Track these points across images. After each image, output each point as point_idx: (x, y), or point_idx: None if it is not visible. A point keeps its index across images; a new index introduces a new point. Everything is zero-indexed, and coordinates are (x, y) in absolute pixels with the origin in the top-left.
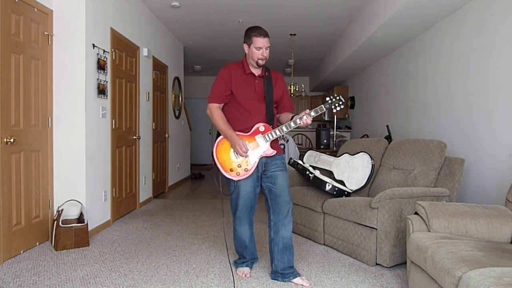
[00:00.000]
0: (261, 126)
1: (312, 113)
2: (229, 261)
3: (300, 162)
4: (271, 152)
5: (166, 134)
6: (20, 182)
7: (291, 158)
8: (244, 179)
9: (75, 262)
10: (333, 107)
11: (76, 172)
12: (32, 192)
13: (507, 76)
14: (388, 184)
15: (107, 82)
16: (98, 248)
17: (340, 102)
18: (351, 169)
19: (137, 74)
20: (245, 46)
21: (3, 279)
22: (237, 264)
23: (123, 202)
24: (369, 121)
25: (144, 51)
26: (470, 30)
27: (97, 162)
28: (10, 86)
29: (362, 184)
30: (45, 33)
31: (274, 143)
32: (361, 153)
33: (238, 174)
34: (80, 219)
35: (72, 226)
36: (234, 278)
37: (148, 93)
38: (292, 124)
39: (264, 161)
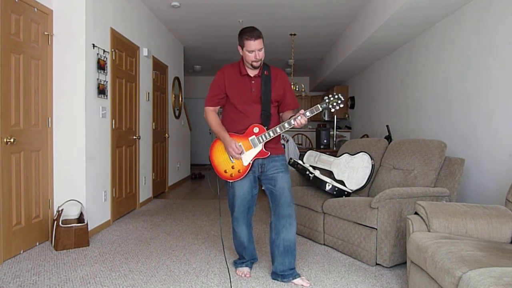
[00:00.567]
0: (255, 128)
1: (308, 113)
2: (226, 261)
3: (300, 162)
4: (265, 153)
5: (166, 134)
6: (20, 182)
7: (291, 158)
8: (240, 180)
9: (75, 262)
10: (330, 106)
11: (76, 172)
12: (32, 192)
13: (507, 76)
14: (388, 184)
15: (107, 82)
16: (98, 248)
17: (339, 101)
18: (351, 169)
19: (137, 74)
20: (239, 48)
21: (3, 279)
22: (236, 264)
23: (123, 202)
24: (369, 121)
25: (144, 51)
26: (470, 30)
27: (97, 162)
28: (10, 86)
29: (362, 184)
30: (45, 33)
31: (273, 144)
32: (361, 153)
33: (231, 175)
34: (80, 219)
35: (72, 226)
36: (234, 278)
37: (148, 93)
38: (286, 125)
39: (261, 162)
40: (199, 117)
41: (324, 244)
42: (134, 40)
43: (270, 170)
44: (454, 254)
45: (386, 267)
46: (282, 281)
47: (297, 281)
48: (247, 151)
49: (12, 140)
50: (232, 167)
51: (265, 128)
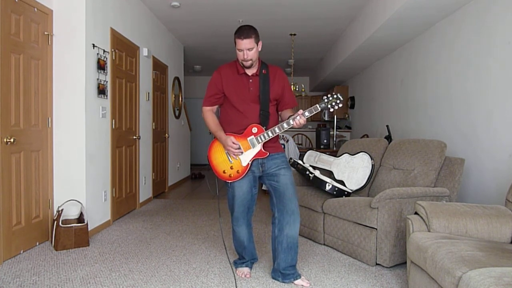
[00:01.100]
0: (253, 128)
1: (306, 113)
2: (229, 261)
3: (300, 162)
4: (264, 153)
5: (166, 134)
6: (20, 182)
7: (291, 158)
8: (239, 180)
9: (75, 262)
10: (329, 106)
11: (76, 172)
12: (32, 192)
13: (507, 76)
14: (388, 184)
15: (107, 82)
16: (98, 248)
17: (338, 101)
18: (351, 169)
19: (137, 74)
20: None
21: (3, 279)
22: (237, 264)
23: (123, 202)
24: (369, 121)
25: (144, 51)
26: (470, 30)
27: (97, 162)
28: (10, 86)
29: (362, 184)
30: (45, 33)
31: (272, 143)
32: (361, 153)
33: (230, 176)
34: (80, 219)
35: (72, 226)
36: (236, 277)
37: (148, 93)
38: (285, 125)
39: (261, 162)
40: (199, 117)
41: (324, 244)
42: (134, 40)
43: (272, 167)
44: (454, 254)
45: (386, 267)
46: (283, 282)
47: (297, 281)
48: (246, 151)
49: (12, 140)
50: (231, 168)
51: (263, 128)
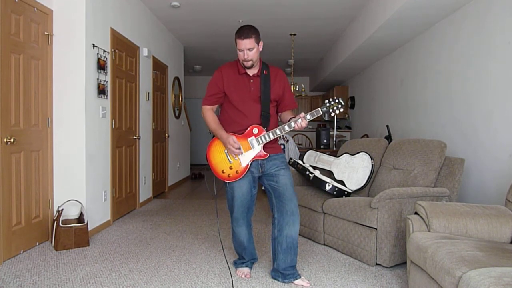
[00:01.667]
0: (254, 128)
1: (308, 117)
2: (226, 261)
3: (300, 162)
4: (264, 154)
5: (166, 134)
6: (20, 182)
7: (291, 158)
8: (239, 180)
9: (75, 262)
10: (331, 110)
11: (76, 172)
12: (32, 192)
13: (507, 76)
14: (388, 184)
15: (107, 82)
16: (98, 248)
17: (339, 106)
18: (351, 169)
19: (137, 74)
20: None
21: (3, 279)
22: (236, 264)
23: (123, 202)
24: (369, 121)
25: (144, 51)
26: (470, 30)
27: (97, 162)
28: (10, 86)
29: (362, 184)
30: (45, 33)
31: (271, 143)
32: (361, 153)
33: (229, 176)
34: (80, 219)
35: (72, 226)
36: (234, 278)
37: (148, 93)
38: (287, 127)
39: (260, 163)
40: (199, 117)
41: (324, 244)
42: (134, 40)
43: (271, 168)
44: (454, 254)
45: (386, 267)
46: (283, 282)
47: (297, 281)
48: (246, 152)
49: (12, 140)
50: (230, 168)
51: (264, 129)
